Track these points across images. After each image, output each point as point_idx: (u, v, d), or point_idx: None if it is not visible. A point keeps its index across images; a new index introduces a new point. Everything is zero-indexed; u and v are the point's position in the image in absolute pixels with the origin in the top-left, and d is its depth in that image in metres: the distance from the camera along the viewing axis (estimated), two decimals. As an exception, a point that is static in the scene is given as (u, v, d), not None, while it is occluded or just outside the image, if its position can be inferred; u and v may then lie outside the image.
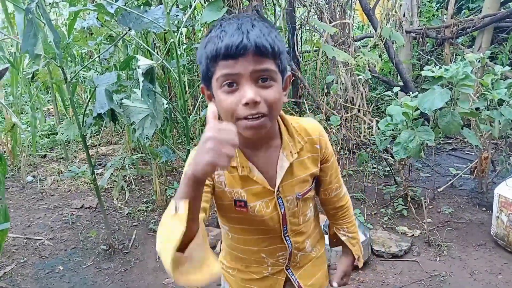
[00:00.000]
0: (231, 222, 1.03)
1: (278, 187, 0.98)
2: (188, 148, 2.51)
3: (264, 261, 1.06)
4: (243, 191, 0.96)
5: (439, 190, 3.31)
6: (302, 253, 1.10)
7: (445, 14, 5.38)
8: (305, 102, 3.68)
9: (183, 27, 2.65)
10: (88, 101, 2.70)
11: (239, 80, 0.82)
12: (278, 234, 1.03)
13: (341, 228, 1.19)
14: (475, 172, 3.37)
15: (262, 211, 0.98)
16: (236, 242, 1.06)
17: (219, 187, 0.96)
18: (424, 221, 2.70)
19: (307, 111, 3.22)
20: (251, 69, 0.81)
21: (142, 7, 2.24)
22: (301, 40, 5.43)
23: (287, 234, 1.04)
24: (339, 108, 3.37)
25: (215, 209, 1.04)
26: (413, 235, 2.73)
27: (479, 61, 2.78)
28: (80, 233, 2.94)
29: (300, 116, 3.33)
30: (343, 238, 1.18)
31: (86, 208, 3.34)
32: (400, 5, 4.51)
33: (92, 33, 2.87)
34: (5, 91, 5.40)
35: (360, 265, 1.22)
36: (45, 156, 4.64)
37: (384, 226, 2.85)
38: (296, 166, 1.00)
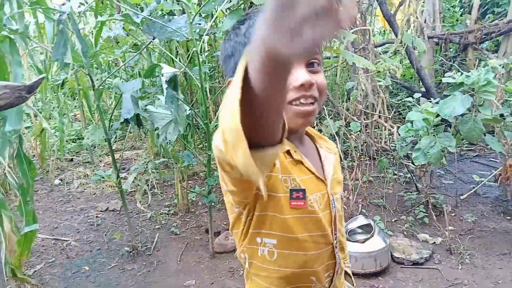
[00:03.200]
0: (282, 229, 0.81)
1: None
2: (209, 153, 2.56)
3: (310, 284, 0.87)
4: (298, 178, 0.81)
5: (462, 197, 3.26)
6: (339, 276, 0.94)
7: (469, 19, 5.30)
8: (325, 108, 3.68)
9: (206, 35, 2.71)
10: (115, 107, 2.80)
11: None
12: (331, 245, 0.87)
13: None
14: (500, 179, 3.29)
15: (315, 207, 0.83)
16: (285, 262, 0.83)
17: (275, 172, 0.79)
18: (446, 229, 2.67)
19: (327, 117, 3.23)
20: None
21: (166, 16, 2.32)
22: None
23: (336, 244, 0.88)
24: (359, 114, 3.37)
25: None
26: (434, 242, 2.70)
27: (502, 67, 2.74)
28: (105, 235, 3.03)
29: (320, 121, 3.35)
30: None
31: (110, 210, 3.44)
32: (422, 11, 4.48)
33: (118, 42, 2.98)
34: (34, 97, 5.62)
35: None
36: (71, 160, 4.80)
37: (405, 233, 2.82)
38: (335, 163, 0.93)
